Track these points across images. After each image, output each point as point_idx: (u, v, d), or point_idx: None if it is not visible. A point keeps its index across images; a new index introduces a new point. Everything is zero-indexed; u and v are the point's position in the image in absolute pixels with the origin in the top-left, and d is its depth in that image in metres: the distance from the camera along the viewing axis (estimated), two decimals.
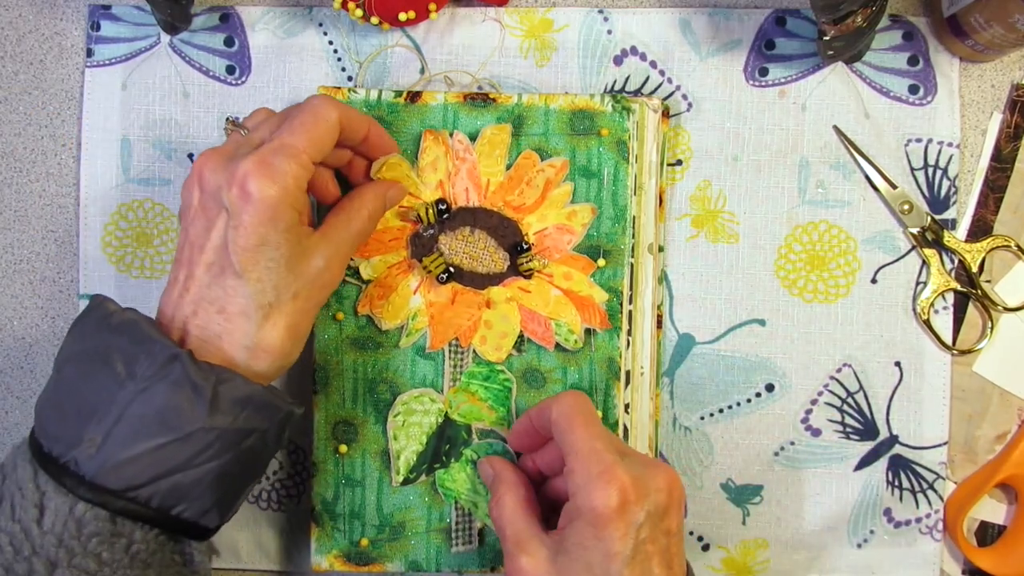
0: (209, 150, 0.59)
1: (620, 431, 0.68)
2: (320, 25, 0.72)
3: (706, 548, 0.72)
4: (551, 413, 0.59)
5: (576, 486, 0.56)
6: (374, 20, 0.68)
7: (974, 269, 0.70)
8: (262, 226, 0.56)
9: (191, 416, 0.55)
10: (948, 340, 0.70)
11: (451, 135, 0.67)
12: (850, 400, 0.71)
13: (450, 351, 0.68)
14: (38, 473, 0.55)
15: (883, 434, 0.71)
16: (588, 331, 0.68)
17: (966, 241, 0.70)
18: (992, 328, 0.70)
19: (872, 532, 0.71)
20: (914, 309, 0.71)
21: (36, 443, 0.56)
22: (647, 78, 0.71)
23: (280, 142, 0.57)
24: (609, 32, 0.71)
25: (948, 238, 0.70)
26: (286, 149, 0.57)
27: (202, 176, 0.57)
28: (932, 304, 0.70)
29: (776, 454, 0.71)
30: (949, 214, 0.70)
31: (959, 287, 0.70)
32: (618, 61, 0.71)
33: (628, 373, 0.68)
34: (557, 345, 0.68)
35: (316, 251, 0.59)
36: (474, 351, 0.68)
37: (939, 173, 0.70)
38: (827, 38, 0.64)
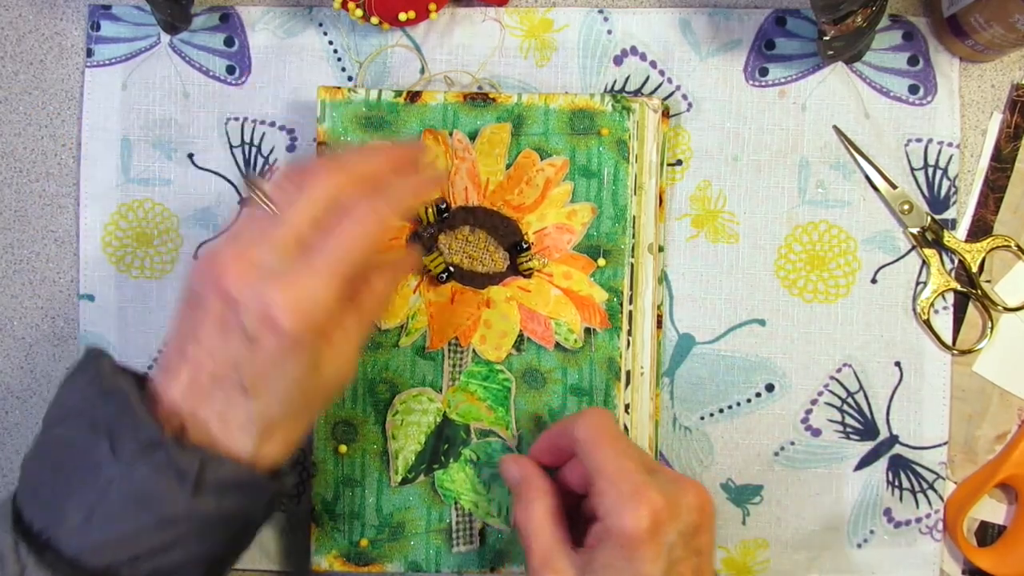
0: (234, 248, 0.53)
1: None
2: (320, 25, 0.72)
3: None
4: (575, 432, 0.57)
5: (606, 508, 0.54)
6: (374, 20, 0.68)
7: (974, 269, 0.70)
8: (282, 356, 0.52)
9: (173, 501, 0.52)
10: (948, 340, 0.70)
11: (451, 134, 0.67)
12: (850, 400, 0.71)
13: (449, 350, 0.68)
14: (19, 544, 0.52)
15: (883, 434, 0.71)
16: (588, 331, 0.68)
17: (966, 241, 0.70)
18: (992, 328, 0.70)
19: (872, 532, 0.71)
20: (914, 309, 0.71)
21: (17, 510, 0.54)
22: (647, 78, 0.71)
23: (318, 268, 0.52)
24: (609, 32, 0.71)
25: (948, 238, 0.70)
26: (324, 279, 0.52)
27: (226, 288, 0.52)
28: (932, 304, 0.70)
29: (776, 454, 0.71)
30: (949, 214, 0.70)
31: (959, 287, 0.70)
32: (618, 61, 0.71)
33: (628, 373, 0.68)
34: (557, 344, 0.68)
35: (329, 363, 0.55)
36: (473, 350, 0.68)
37: (939, 173, 0.70)
38: (827, 38, 0.64)
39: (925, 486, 0.71)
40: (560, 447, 0.61)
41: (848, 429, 0.71)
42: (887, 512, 0.71)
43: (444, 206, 0.67)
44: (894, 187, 0.70)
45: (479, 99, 0.68)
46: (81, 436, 0.53)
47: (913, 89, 0.71)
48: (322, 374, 0.55)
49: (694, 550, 0.55)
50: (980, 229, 0.71)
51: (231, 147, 0.72)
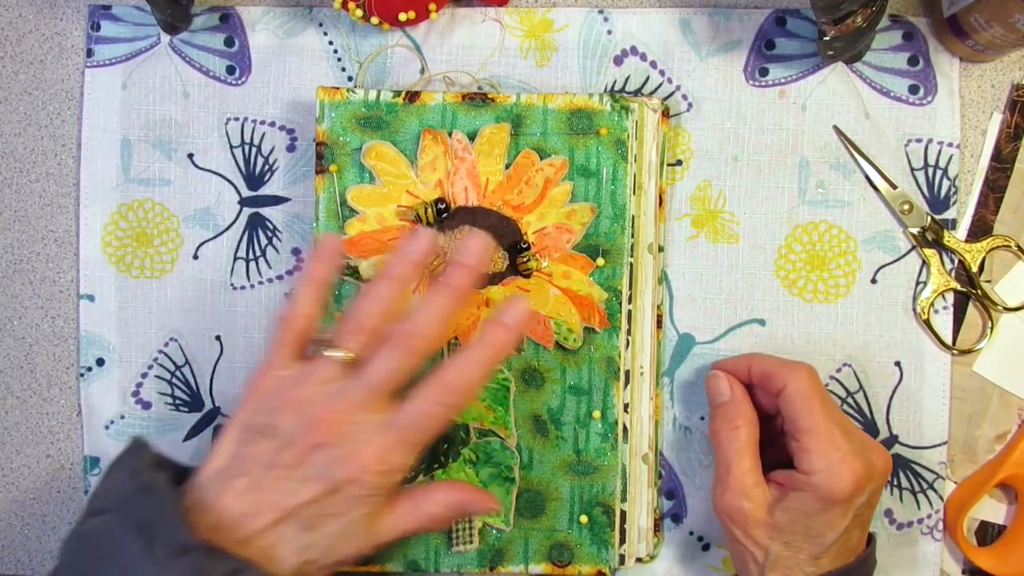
0: (324, 403, 0.58)
1: (619, 430, 0.68)
2: (320, 25, 0.72)
3: (706, 548, 0.72)
4: (788, 385, 0.63)
5: (812, 465, 0.61)
6: (374, 20, 0.68)
7: (974, 269, 0.70)
8: (353, 505, 0.58)
9: None
10: (948, 340, 0.70)
11: (450, 134, 0.67)
12: (850, 400, 0.71)
13: (449, 350, 0.68)
14: None
15: (883, 434, 0.71)
16: (587, 330, 0.68)
17: (966, 241, 0.70)
18: (992, 328, 0.70)
19: (874, 534, 0.71)
20: (914, 309, 0.71)
21: None
22: (647, 78, 0.71)
23: (404, 436, 0.58)
24: (609, 32, 0.71)
25: (948, 238, 0.70)
26: (406, 447, 0.58)
27: (320, 439, 0.57)
28: (932, 304, 0.70)
29: None
30: (949, 214, 0.70)
31: (959, 287, 0.70)
32: (618, 61, 0.71)
33: (627, 373, 0.68)
34: (556, 344, 0.68)
35: (384, 523, 0.60)
36: None
37: (939, 173, 0.70)
38: (827, 38, 0.64)
39: (925, 486, 0.71)
40: (754, 382, 0.67)
41: None
42: (888, 513, 0.71)
43: (444, 206, 0.67)
44: (894, 187, 0.70)
45: (477, 99, 0.68)
46: (119, 530, 0.54)
47: (913, 89, 0.71)
48: (375, 529, 0.59)
49: (870, 505, 0.63)
50: (980, 229, 0.71)
51: (231, 147, 0.72)
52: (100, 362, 0.73)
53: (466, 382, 0.59)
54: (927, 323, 0.70)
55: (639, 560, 0.70)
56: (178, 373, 0.72)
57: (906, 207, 0.70)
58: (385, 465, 0.57)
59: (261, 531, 0.57)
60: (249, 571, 0.54)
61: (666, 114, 0.70)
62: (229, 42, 0.72)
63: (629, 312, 0.68)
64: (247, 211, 0.72)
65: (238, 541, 0.56)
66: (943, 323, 0.71)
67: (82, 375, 0.73)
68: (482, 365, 0.59)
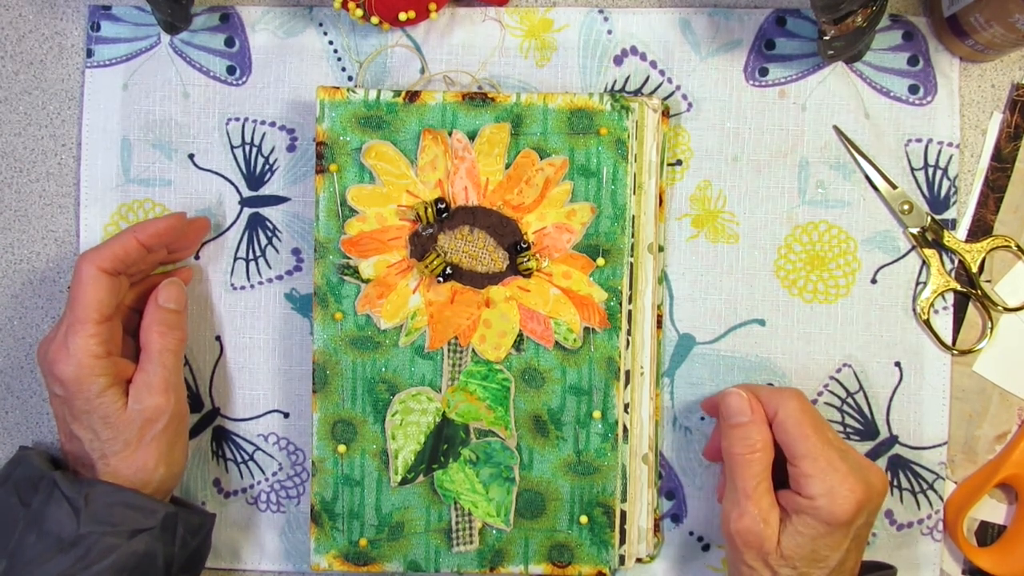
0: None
1: (620, 431, 0.68)
2: (320, 25, 0.72)
3: (706, 548, 0.72)
4: (778, 413, 0.64)
5: (814, 491, 0.61)
6: (374, 20, 0.68)
7: (974, 269, 0.70)
8: (72, 399, 0.63)
9: (70, 525, 0.61)
10: (948, 340, 0.70)
11: (450, 134, 0.67)
12: (850, 400, 0.71)
13: (449, 350, 0.68)
14: None
15: (883, 434, 0.71)
16: (587, 330, 0.68)
17: (966, 241, 0.70)
18: (992, 328, 0.70)
19: (875, 535, 0.71)
20: (914, 309, 0.71)
21: None
22: (647, 78, 0.71)
23: (68, 322, 0.64)
24: (609, 32, 0.71)
25: (948, 238, 0.70)
26: (72, 328, 0.64)
27: (44, 370, 0.65)
28: (932, 304, 0.70)
29: None
30: (949, 214, 0.70)
31: (959, 287, 0.70)
32: (618, 61, 0.71)
33: (628, 373, 0.68)
34: (556, 344, 0.68)
35: (133, 398, 0.65)
36: (473, 350, 0.68)
37: (939, 173, 0.70)
38: (827, 38, 0.64)
39: (925, 486, 0.71)
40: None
41: (848, 429, 0.71)
42: (888, 514, 0.71)
43: (444, 206, 0.67)
44: (894, 187, 0.70)
45: (478, 99, 0.68)
46: (7, 500, 0.64)
47: (913, 89, 0.71)
48: (130, 412, 0.64)
49: (868, 524, 0.63)
50: (980, 229, 0.71)
51: (232, 147, 0.72)
52: None
53: None
54: (927, 323, 0.70)
55: (639, 560, 0.70)
56: None
57: (906, 207, 0.70)
58: (62, 359, 0.64)
59: (71, 449, 0.67)
60: (103, 486, 0.63)
61: (666, 114, 0.70)
62: (229, 42, 0.72)
63: (629, 312, 0.68)
64: (247, 211, 0.72)
65: (83, 466, 0.66)
66: (943, 323, 0.71)
67: None
68: None
